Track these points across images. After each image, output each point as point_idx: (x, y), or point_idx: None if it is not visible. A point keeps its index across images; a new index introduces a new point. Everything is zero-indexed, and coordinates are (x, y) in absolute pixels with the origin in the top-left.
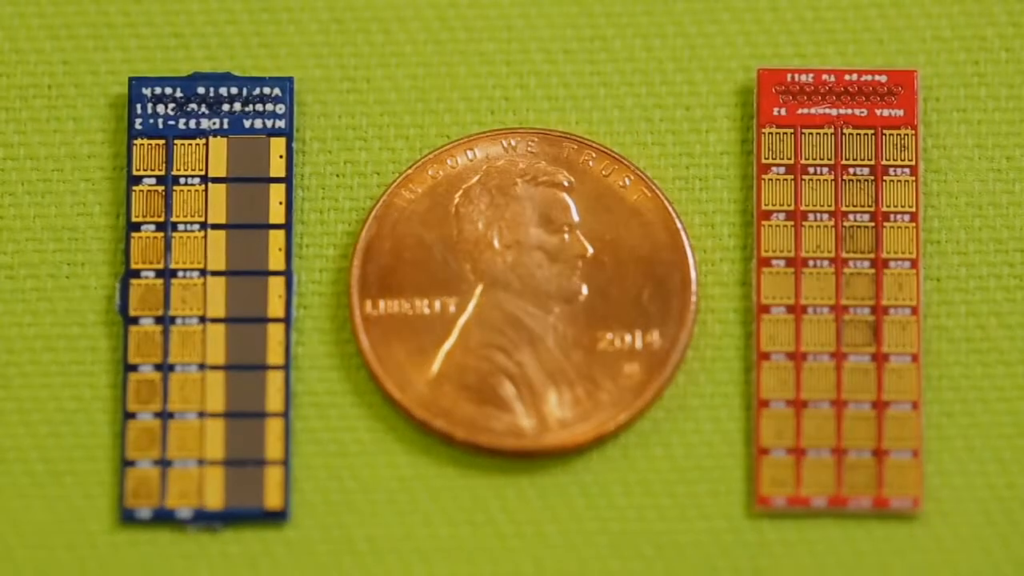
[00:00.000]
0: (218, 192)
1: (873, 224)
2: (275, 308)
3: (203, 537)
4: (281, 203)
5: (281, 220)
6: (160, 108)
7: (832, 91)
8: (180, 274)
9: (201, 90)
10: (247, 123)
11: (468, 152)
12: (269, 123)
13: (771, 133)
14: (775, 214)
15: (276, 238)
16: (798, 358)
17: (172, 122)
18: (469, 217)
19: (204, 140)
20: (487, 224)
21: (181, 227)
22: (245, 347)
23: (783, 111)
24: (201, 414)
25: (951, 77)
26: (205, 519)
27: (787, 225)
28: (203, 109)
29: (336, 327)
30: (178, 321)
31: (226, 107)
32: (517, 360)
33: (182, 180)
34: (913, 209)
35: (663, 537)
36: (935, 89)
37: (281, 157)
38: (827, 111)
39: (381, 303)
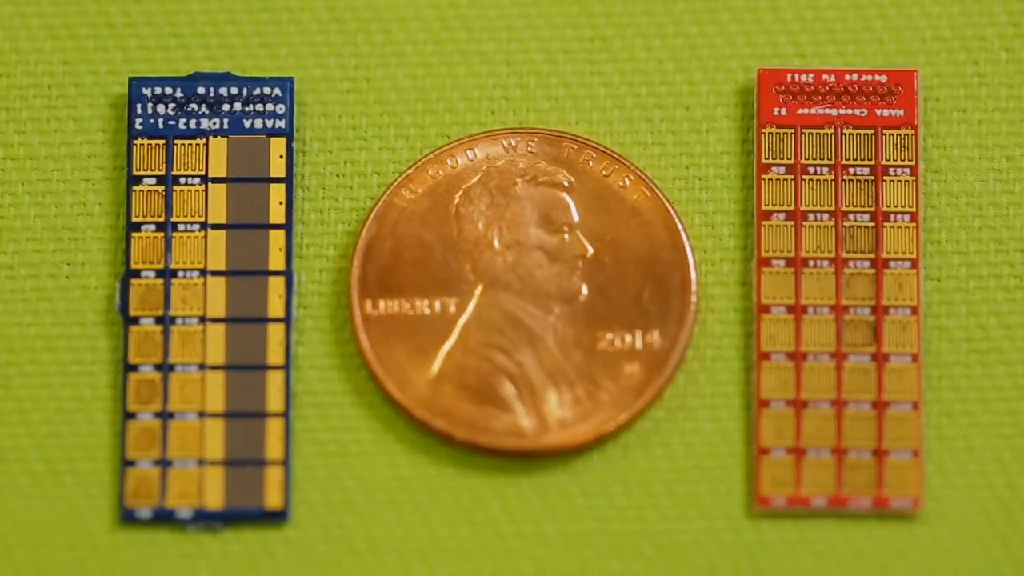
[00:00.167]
0: (218, 192)
1: (873, 224)
2: (275, 308)
3: (203, 537)
4: (281, 203)
5: (281, 220)
6: (160, 108)
7: (832, 91)
8: (180, 274)
9: (201, 90)
10: (247, 123)
11: (468, 152)
12: (269, 123)
13: (771, 133)
14: (775, 214)
15: (276, 238)
16: (798, 358)
17: (172, 122)
18: (469, 217)
19: (204, 140)
20: (487, 224)
21: (181, 227)
22: (245, 347)
23: (783, 111)
24: (201, 414)
25: (951, 77)
26: (205, 519)
27: (787, 225)
28: (203, 109)
29: (336, 327)
30: (178, 321)
31: (226, 107)
32: (517, 360)
33: (182, 180)
34: (913, 209)
35: (663, 537)
36: (935, 89)
37: (281, 157)
38: (827, 111)
39: (381, 303)
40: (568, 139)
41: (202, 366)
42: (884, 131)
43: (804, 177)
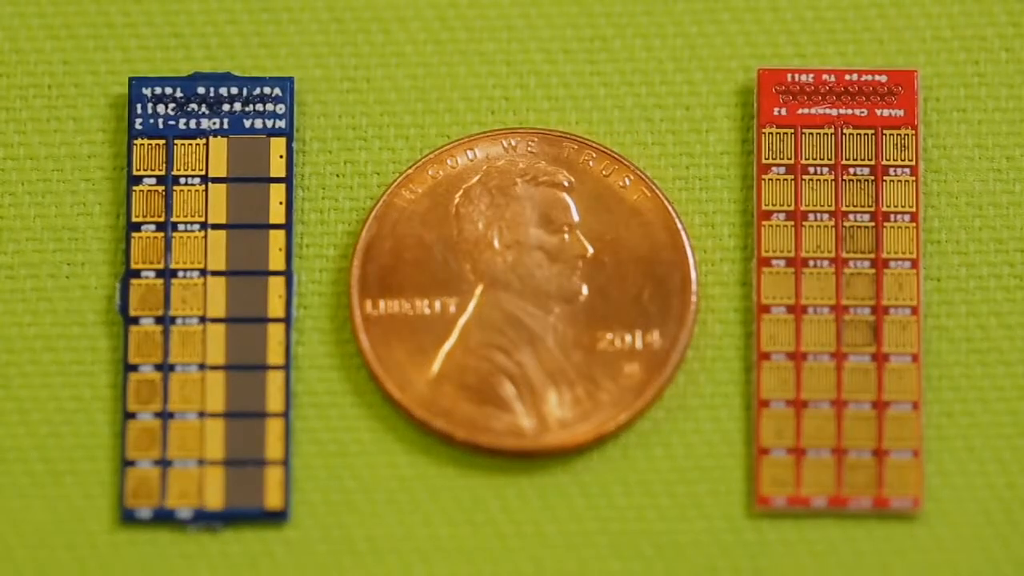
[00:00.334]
0: (218, 192)
1: (873, 224)
2: (275, 308)
3: (203, 537)
4: (281, 203)
5: (281, 220)
6: (160, 108)
7: (832, 91)
8: (180, 274)
9: (201, 90)
10: (247, 123)
11: (468, 152)
12: (269, 123)
13: (771, 133)
14: (775, 214)
15: (276, 238)
16: (798, 358)
17: (172, 122)
18: (469, 217)
19: (204, 140)
20: (487, 224)
21: (181, 227)
22: (245, 347)
23: (783, 111)
24: (201, 414)
25: (951, 77)
26: (205, 519)
27: (787, 225)
28: (203, 109)
29: (336, 327)
30: (178, 321)
31: (226, 107)
32: (517, 360)
33: (182, 180)
34: (913, 209)
35: (663, 537)
36: (935, 89)
37: (281, 157)
38: (827, 111)
39: (381, 303)
40: (568, 139)
41: (202, 366)
42: (884, 131)
43: (804, 177)
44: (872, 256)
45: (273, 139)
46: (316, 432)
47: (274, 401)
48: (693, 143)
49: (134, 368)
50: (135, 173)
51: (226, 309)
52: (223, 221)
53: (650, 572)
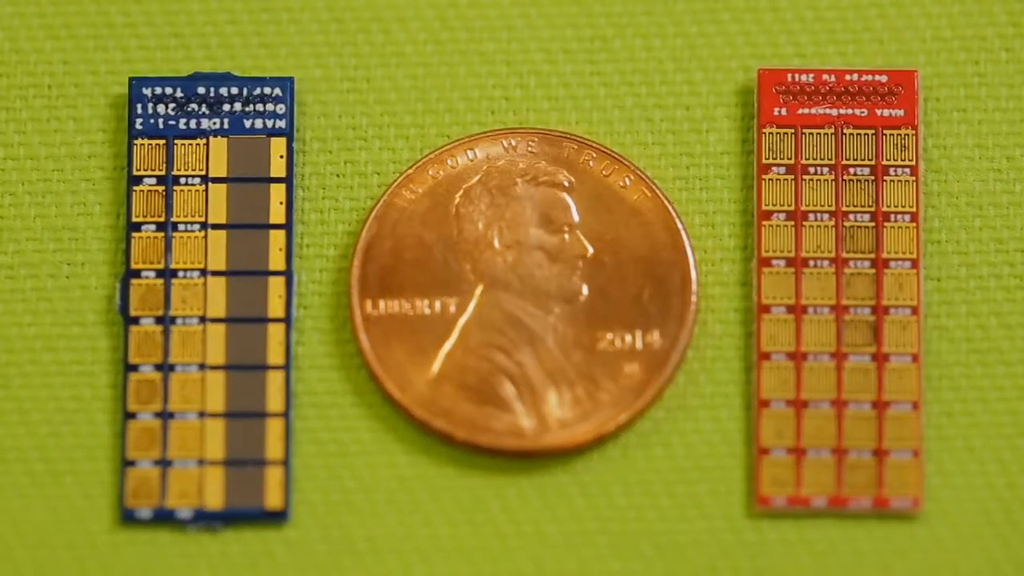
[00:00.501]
0: (218, 192)
1: (873, 224)
2: (275, 308)
3: (203, 537)
4: (281, 203)
5: (281, 220)
6: (160, 108)
7: (832, 91)
8: (180, 274)
9: (201, 90)
10: (247, 123)
11: (468, 152)
12: (269, 123)
13: (771, 133)
14: (775, 214)
15: (276, 238)
16: (798, 358)
17: (172, 122)
18: (469, 217)
19: (204, 140)
20: (487, 224)
21: (181, 227)
22: (245, 347)
23: (783, 111)
24: (201, 414)
25: (951, 77)
26: (205, 519)
27: (787, 225)
28: (203, 109)
29: (336, 327)
30: (178, 321)
31: (226, 107)
32: (517, 360)
33: (182, 180)
34: (913, 209)
35: (663, 537)
36: (935, 89)
37: (281, 157)
38: (827, 111)
39: (381, 303)
40: (568, 139)
41: (202, 366)
42: (884, 131)
43: (804, 177)
44: (872, 256)
45: (273, 139)
46: (316, 432)
47: (274, 401)
48: (693, 143)
49: (134, 368)
50: (135, 173)
51: (226, 309)
52: (223, 221)
53: (650, 572)
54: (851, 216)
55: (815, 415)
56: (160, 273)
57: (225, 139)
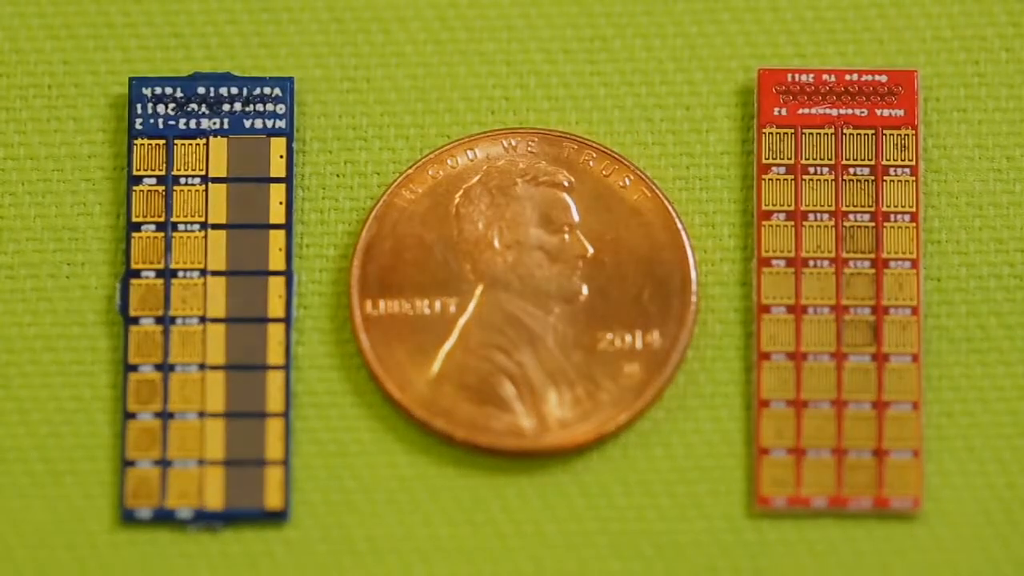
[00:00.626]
0: (218, 192)
1: (873, 224)
2: (275, 308)
3: (203, 537)
4: (281, 203)
5: (281, 220)
6: (160, 108)
7: (832, 91)
8: (180, 274)
9: (201, 90)
10: (247, 123)
11: (468, 152)
12: (269, 123)
13: (771, 133)
14: (775, 214)
15: (276, 238)
16: (798, 358)
17: (172, 122)
18: (469, 217)
19: (204, 140)
20: (487, 224)
21: (181, 227)
22: (245, 347)
23: (783, 111)
24: (201, 414)
25: (951, 77)
26: (205, 519)
27: (787, 225)
28: (203, 109)
29: (336, 327)
30: (178, 321)
31: (226, 107)
32: (517, 360)
33: (182, 180)
34: (913, 209)
35: (663, 537)
36: (935, 89)
37: (281, 157)
38: (827, 111)
39: (381, 303)
40: (568, 139)
41: (202, 366)
42: (884, 131)
43: (804, 177)
44: (872, 256)
45: (273, 139)
46: (316, 432)
47: (274, 401)
48: (693, 143)
49: (134, 368)
50: (135, 173)
51: (226, 309)
52: (223, 221)
53: (650, 572)
54: (851, 216)
55: (815, 415)
56: (160, 273)
57: (225, 139)
